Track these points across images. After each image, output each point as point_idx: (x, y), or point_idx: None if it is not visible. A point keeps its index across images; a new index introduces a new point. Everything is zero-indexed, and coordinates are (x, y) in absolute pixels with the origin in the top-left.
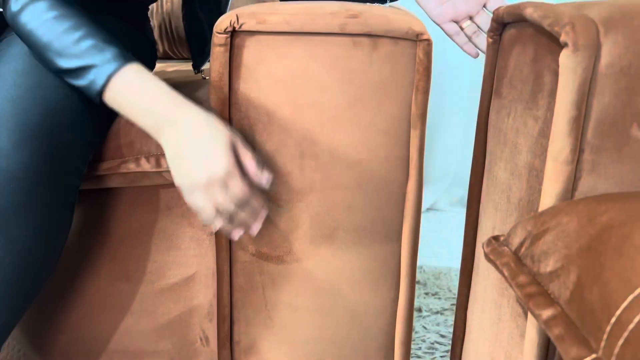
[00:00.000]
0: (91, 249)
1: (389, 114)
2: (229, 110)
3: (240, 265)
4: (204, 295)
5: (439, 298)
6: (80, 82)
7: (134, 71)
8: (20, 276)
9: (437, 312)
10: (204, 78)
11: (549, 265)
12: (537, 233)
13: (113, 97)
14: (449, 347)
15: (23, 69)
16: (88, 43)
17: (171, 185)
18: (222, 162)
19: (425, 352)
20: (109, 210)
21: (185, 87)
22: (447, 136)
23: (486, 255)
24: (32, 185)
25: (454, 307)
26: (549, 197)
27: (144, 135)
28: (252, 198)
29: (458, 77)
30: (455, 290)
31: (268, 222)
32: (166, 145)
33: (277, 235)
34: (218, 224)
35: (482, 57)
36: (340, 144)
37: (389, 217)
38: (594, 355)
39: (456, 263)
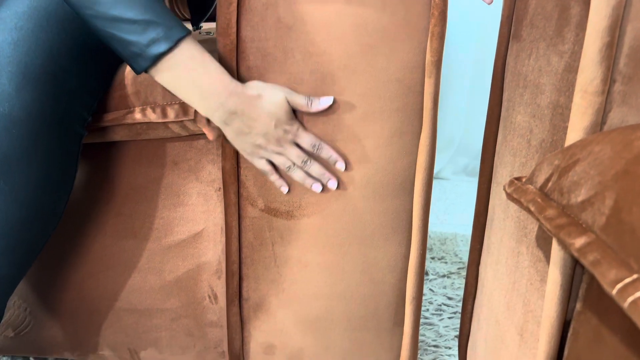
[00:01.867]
0: (96, 206)
1: (403, 61)
2: (237, 58)
3: (249, 221)
4: (213, 252)
5: (446, 262)
6: (135, 37)
7: (196, 44)
8: (24, 227)
9: (443, 276)
10: (207, 34)
11: (580, 195)
12: (565, 166)
13: (172, 65)
14: (457, 309)
15: (24, 12)
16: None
17: (178, 138)
18: (289, 126)
19: (433, 314)
20: (113, 165)
21: None
22: (451, 105)
23: (509, 195)
24: (36, 131)
25: (461, 271)
26: (576, 131)
27: (150, 85)
28: (320, 142)
29: (460, 45)
30: (461, 255)
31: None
32: (224, 126)
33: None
34: (297, 176)
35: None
36: (352, 93)
37: (402, 169)
38: (635, 276)
39: (461, 229)
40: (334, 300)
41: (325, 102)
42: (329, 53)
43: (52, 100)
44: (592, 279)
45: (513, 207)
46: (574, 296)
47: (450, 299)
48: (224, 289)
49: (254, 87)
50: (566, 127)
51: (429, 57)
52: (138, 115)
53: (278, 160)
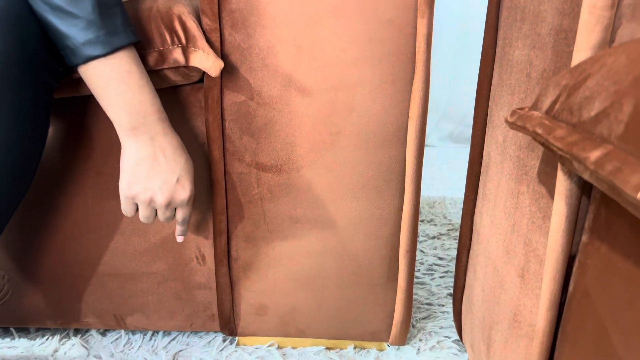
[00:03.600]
0: (74, 165)
1: (394, 1)
2: (218, 1)
3: (236, 176)
4: (199, 211)
5: (435, 224)
6: (73, 32)
7: (134, 55)
8: None
9: (433, 237)
10: None
11: (593, 109)
12: (575, 83)
13: (104, 72)
14: (448, 269)
15: None
16: None
17: (158, 90)
18: (188, 189)
19: (425, 274)
20: (91, 121)
21: None
22: (436, 71)
23: (511, 124)
24: (2, 78)
25: (450, 232)
26: (583, 51)
27: None
28: (189, 221)
29: (444, 16)
30: (450, 217)
31: (264, 128)
32: (133, 154)
33: (275, 142)
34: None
35: None
36: (341, 38)
37: (394, 117)
38: None
39: (449, 193)
40: (326, 256)
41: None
42: None
43: (17, 43)
44: (600, 207)
45: (511, 147)
46: (578, 229)
47: (441, 259)
48: (212, 249)
49: (180, 147)
50: (571, 52)
51: None
52: None
53: (144, 213)
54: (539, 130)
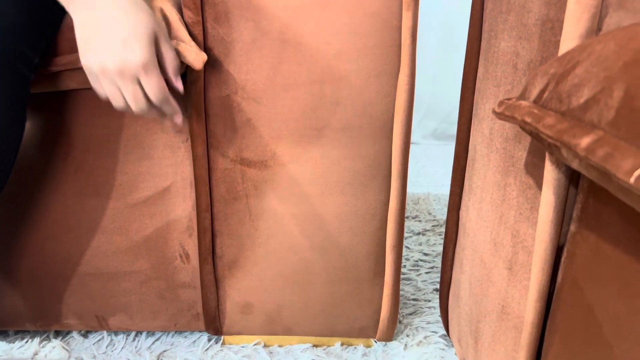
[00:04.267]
0: (53, 163)
1: None
2: None
3: (220, 173)
4: (182, 208)
5: (420, 221)
6: None
7: None
8: None
9: (418, 233)
10: None
11: (583, 96)
12: (563, 71)
13: None
14: (433, 264)
15: None
16: None
17: None
18: (138, 53)
19: (410, 270)
20: (70, 117)
21: None
22: (419, 69)
23: (499, 115)
24: None
25: (435, 228)
26: (570, 40)
27: None
28: (167, 98)
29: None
30: (435, 213)
31: (248, 123)
32: (78, 20)
33: (260, 137)
34: (130, 113)
35: None
36: (325, 31)
37: (380, 112)
38: None
39: (433, 189)
40: (313, 252)
41: (181, 86)
42: None
43: None
44: (588, 196)
45: (498, 139)
46: (566, 220)
47: (426, 255)
48: (196, 247)
49: (131, 6)
50: (557, 41)
51: None
52: None
53: (110, 92)
54: (528, 119)
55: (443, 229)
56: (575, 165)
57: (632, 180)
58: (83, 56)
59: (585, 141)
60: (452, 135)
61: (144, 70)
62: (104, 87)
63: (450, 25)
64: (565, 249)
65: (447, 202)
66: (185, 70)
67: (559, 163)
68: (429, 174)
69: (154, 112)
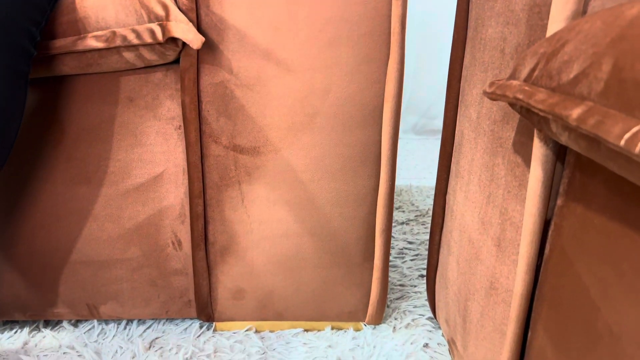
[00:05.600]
0: (44, 150)
1: None
2: None
3: (213, 159)
4: (175, 195)
5: (403, 211)
6: None
7: None
8: None
9: (402, 223)
10: None
11: (572, 71)
12: (553, 50)
13: None
14: (418, 252)
15: None
16: None
17: (132, 72)
18: None
19: (396, 257)
20: (62, 104)
21: None
22: None
23: (490, 94)
24: None
25: (418, 218)
26: (557, 22)
27: (100, 9)
28: None
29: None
30: (418, 204)
31: (241, 109)
32: None
33: (253, 124)
34: None
35: None
36: (317, 18)
37: (370, 98)
38: None
39: (415, 181)
40: (304, 237)
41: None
42: None
43: None
44: (574, 171)
45: (485, 122)
46: (553, 195)
47: (410, 243)
48: (188, 234)
49: None
50: (545, 25)
51: None
52: (91, 41)
53: None
54: (520, 96)
55: (426, 219)
56: (564, 139)
57: (622, 142)
58: None
59: (576, 112)
60: (431, 130)
61: None
62: None
63: (430, 21)
64: (552, 223)
65: (429, 194)
66: (179, 57)
67: (547, 139)
68: (410, 167)
69: None
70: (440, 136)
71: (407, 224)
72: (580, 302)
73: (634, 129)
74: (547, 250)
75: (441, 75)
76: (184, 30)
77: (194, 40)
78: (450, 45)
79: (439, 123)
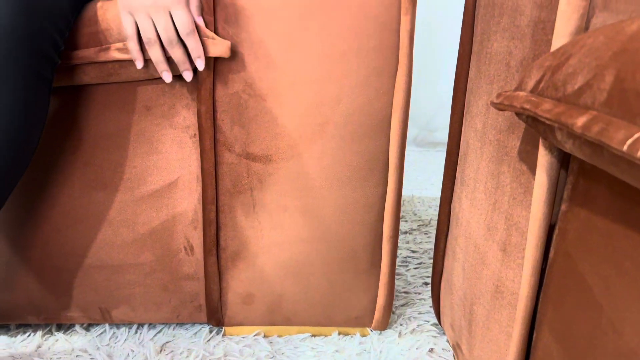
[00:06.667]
0: (63, 156)
1: None
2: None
3: (226, 167)
4: (188, 201)
5: (406, 221)
6: None
7: None
8: None
9: (405, 232)
10: None
11: (577, 82)
12: (558, 63)
13: None
14: (421, 260)
15: None
16: None
17: (149, 82)
18: None
19: (400, 266)
20: (81, 112)
21: None
22: None
23: (498, 105)
24: (9, 47)
25: (421, 227)
26: (561, 37)
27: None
28: (194, 31)
29: None
30: (420, 214)
31: (254, 119)
32: None
33: (265, 132)
34: (154, 53)
35: None
36: (330, 32)
37: (379, 109)
38: None
39: (417, 192)
40: (313, 243)
41: (200, 21)
42: None
43: (25, 16)
44: (578, 177)
45: (491, 132)
46: (557, 201)
47: (414, 252)
48: (200, 240)
49: None
50: (549, 40)
51: None
52: (114, 53)
53: (143, 25)
54: (527, 106)
55: (428, 229)
56: (568, 146)
57: (625, 148)
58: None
59: (581, 120)
60: (432, 142)
61: (176, 2)
62: (138, 20)
63: (430, 35)
64: (557, 227)
65: (430, 204)
66: (195, 69)
67: (551, 148)
68: (411, 178)
69: (179, 51)
70: (440, 148)
71: (410, 233)
72: (584, 301)
73: (636, 135)
74: (551, 254)
75: (441, 89)
76: (214, 44)
77: (224, 52)
78: (450, 60)
79: (439, 135)
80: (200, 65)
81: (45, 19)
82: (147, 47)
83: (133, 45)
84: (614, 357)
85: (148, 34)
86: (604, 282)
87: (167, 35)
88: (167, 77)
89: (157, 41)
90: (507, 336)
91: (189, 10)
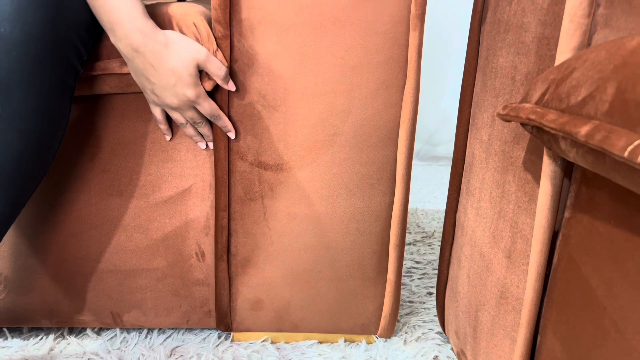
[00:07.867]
0: (80, 162)
1: (390, 14)
2: (230, 11)
3: (239, 175)
4: (201, 208)
5: (410, 232)
6: None
7: None
8: (21, 158)
9: (409, 244)
10: None
11: (580, 95)
12: (562, 77)
13: None
14: (425, 271)
15: None
16: None
17: None
18: (188, 92)
19: (404, 276)
20: (99, 120)
21: None
22: None
23: (504, 116)
24: (35, 55)
25: (425, 239)
26: (565, 53)
27: None
28: (219, 114)
29: None
30: (423, 226)
31: (267, 129)
32: (127, 60)
33: (277, 142)
34: (188, 131)
35: None
36: (341, 46)
37: (387, 120)
38: None
39: (420, 205)
40: (322, 250)
41: (233, 86)
42: (320, 4)
43: (52, 24)
44: (580, 185)
45: (496, 143)
46: (560, 208)
47: (418, 262)
48: (212, 246)
49: (165, 35)
50: (553, 55)
51: (413, 10)
52: None
53: (173, 115)
54: (532, 117)
55: (432, 240)
56: (572, 155)
57: (626, 154)
58: (146, 94)
59: (584, 129)
60: (435, 157)
61: (196, 100)
62: (168, 112)
63: (432, 51)
64: (560, 233)
65: (434, 216)
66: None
67: (555, 157)
68: (415, 191)
69: (206, 127)
70: (443, 162)
71: (414, 244)
72: (588, 303)
73: (636, 142)
74: (555, 259)
75: (443, 104)
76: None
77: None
78: (452, 76)
79: (441, 150)
80: (232, 136)
81: (70, 28)
82: (180, 127)
83: (164, 127)
84: (617, 356)
85: (179, 121)
86: (606, 284)
87: (195, 121)
88: (202, 145)
89: (188, 123)
90: (512, 341)
91: (209, 99)
